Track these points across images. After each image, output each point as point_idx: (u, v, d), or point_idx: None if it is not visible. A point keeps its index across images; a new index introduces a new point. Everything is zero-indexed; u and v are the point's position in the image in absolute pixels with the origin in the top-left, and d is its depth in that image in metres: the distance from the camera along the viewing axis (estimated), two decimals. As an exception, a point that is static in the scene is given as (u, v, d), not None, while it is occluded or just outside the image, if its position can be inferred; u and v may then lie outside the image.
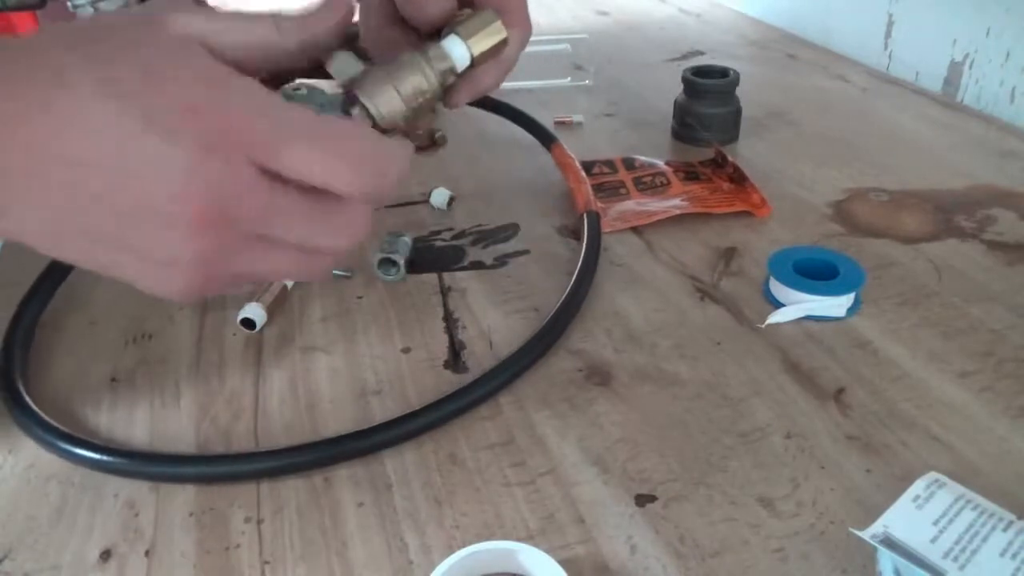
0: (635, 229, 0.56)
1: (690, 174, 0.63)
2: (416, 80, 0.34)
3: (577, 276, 0.49)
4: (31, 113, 0.25)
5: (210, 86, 0.27)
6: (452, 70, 0.35)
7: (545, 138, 0.64)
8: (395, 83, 0.34)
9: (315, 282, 0.33)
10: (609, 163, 0.65)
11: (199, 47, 0.28)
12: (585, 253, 0.51)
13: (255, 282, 0.32)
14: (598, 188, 0.60)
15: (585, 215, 0.54)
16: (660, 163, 0.64)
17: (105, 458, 0.38)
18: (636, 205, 0.59)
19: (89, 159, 0.26)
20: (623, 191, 0.61)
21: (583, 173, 0.59)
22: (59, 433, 0.39)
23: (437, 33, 0.37)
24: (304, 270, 0.32)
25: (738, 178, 0.60)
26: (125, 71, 0.26)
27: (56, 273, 0.50)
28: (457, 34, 0.35)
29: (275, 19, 0.30)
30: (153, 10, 0.28)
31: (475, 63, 0.36)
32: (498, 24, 0.36)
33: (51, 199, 0.26)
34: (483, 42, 0.36)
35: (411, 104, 0.34)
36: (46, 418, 0.40)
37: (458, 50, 0.35)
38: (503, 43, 0.36)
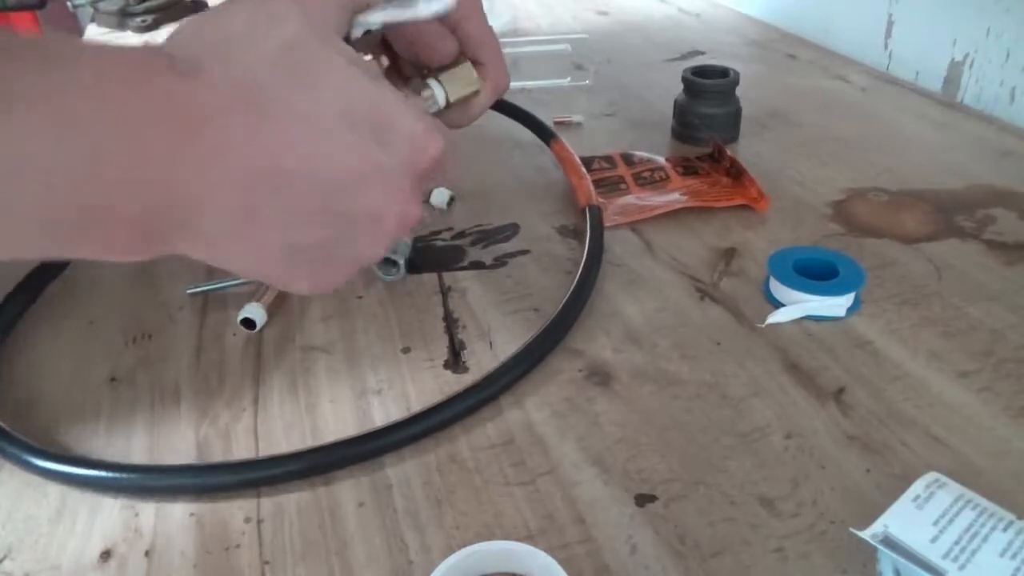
0: (634, 229, 0.56)
1: (688, 169, 0.63)
2: None
3: (582, 270, 0.49)
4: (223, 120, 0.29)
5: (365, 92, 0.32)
6: (434, 108, 0.41)
7: (545, 134, 0.64)
8: None
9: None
10: (608, 159, 0.65)
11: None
12: (589, 246, 0.51)
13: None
14: (598, 184, 0.60)
15: (587, 209, 0.54)
16: (659, 158, 0.64)
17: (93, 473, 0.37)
18: (636, 199, 0.59)
19: (291, 155, 0.29)
20: (623, 186, 0.61)
21: (583, 168, 0.59)
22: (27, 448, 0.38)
23: (417, 67, 0.43)
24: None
25: (735, 172, 0.60)
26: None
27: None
28: (439, 80, 0.41)
29: None
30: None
31: (449, 106, 0.41)
32: (473, 76, 0.42)
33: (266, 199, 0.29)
34: (459, 90, 0.41)
35: None
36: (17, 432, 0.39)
37: (440, 94, 0.41)
38: (475, 93, 0.42)
